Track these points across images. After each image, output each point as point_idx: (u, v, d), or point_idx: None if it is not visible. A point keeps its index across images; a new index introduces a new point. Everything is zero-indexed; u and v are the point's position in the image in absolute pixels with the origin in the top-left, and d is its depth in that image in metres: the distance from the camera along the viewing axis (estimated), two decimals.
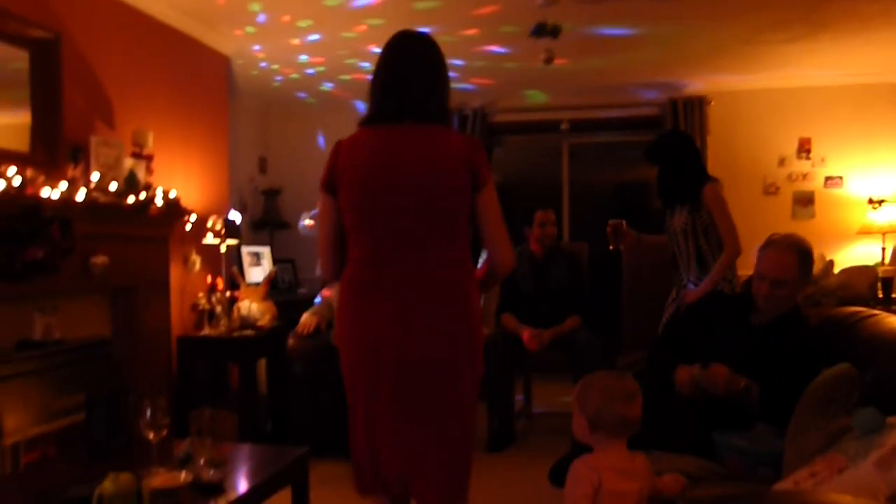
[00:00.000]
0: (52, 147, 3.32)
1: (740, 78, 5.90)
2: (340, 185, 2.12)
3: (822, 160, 5.96)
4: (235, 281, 4.62)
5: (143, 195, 3.67)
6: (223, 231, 4.43)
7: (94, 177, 3.44)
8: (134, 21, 4.01)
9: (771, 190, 6.05)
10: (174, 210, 3.97)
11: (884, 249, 5.57)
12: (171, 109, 4.31)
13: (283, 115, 6.76)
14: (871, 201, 5.67)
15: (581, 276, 4.78)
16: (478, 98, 6.20)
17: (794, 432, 1.98)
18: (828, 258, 5.34)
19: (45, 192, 3.07)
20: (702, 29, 4.71)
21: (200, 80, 4.67)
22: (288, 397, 4.46)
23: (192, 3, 4.15)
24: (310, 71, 5.48)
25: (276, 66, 5.37)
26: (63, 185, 3.18)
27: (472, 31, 4.64)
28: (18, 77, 3.26)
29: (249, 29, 4.52)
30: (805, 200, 5.98)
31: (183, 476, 2.12)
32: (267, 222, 6.38)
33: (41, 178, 3.09)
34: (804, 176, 5.99)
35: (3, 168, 2.94)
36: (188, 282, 4.37)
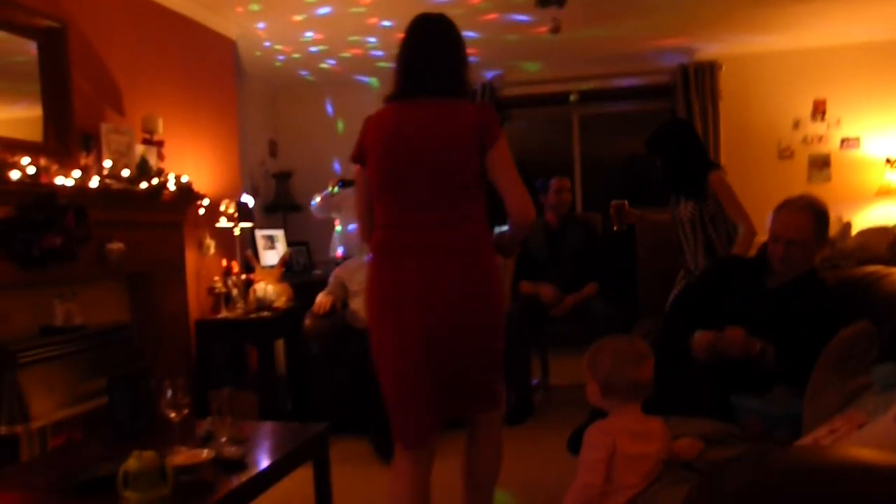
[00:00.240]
0: (64, 136, 3.34)
1: (751, 41, 5.82)
2: (368, 158, 2.32)
3: (838, 122, 5.89)
4: (250, 264, 4.65)
5: (155, 181, 3.69)
6: (236, 214, 4.46)
7: (107, 164, 3.47)
8: (139, 7, 4.01)
9: (786, 154, 5.99)
10: (187, 195, 3.99)
11: None
12: (180, 95, 4.32)
13: (292, 98, 6.76)
14: (888, 161, 5.61)
15: (597, 243, 4.77)
16: (482, 69, 6.16)
17: (812, 392, 1.98)
18: (845, 220, 5.29)
19: (60, 181, 3.10)
20: None
21: (207, 65, 4.67)
22: (306, 376, 4.50)
23: None
24: (313, 49, 5.46)
25: (279, 46, 5.35)
26: (76, 174, 3.21)
27: (478, 2, 4.60)
28: (28, 69, 3.29)
29: (254, 6, 4.49)
30: (821, 163, 5.92)
31: (205, 453, 2.16)
32: (279, 205, 6.41)
33: (55, 167, 3.12)
34: (819, 138, 5.92)
35: (17, 158, 2.97)
36: (203, 266, 4.40)
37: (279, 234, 5.83)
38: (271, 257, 5.43)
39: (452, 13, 4.59)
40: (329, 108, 6.76)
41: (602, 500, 1.80)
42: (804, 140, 5.95)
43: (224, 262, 4.56)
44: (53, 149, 3.28)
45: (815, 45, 5.84)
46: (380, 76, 6.31)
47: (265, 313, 4.41)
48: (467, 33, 5.09)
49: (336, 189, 5.23)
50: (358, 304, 4.43)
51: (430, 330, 2.21)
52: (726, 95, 5.94)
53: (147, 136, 3.91)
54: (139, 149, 3.77)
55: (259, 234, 5.47)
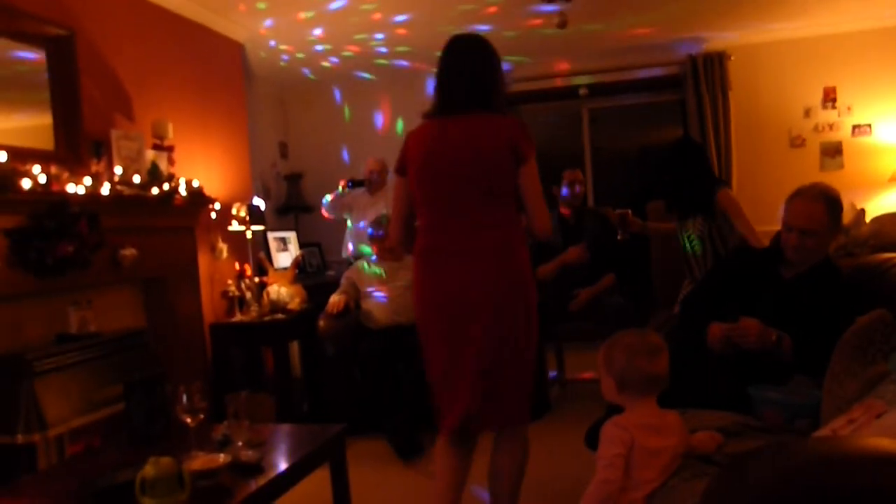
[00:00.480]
0: (75, 143, 3.36)
1: (760, 30, 5.78)
2: (409, 170, 2.52)
3: (849, 109, 5.84)
4: (263, 266, 4.66)
5: (166, 186, 3.70)
6: (248, 218, 4.47)
7: (118, 170, 3.49)
8: (146, 13, 4.02)
9: (797, 142, 5.94)
10: (198, 199, 4.00)
11: None
12: (189, 99, 4.33)
13: (300, 100, 6.78)
14: None
15: (613, 235, 4.75)
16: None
17: (831, 381, 1.96)
18: (859, 207, 5.24)
19: (71, 189, 3.12)
20: None
21: (216, 69, 4.69)
22: (321, 377, 4.51)
23: None
24: (318, 47, 5.46)
25: (285, 47, 5.34)
26: (88, 181, 3.23)
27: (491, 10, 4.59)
28: (37, 78, 3.30)
29: (261, 5, 4.48)
30: (833, 151, 5.87)
31: (222, 458, 2.17)
32: (291, 207, 6.42)
33: (66, 175, 3.14)
34: (831, 126, 5.87)
35: (28, 166, 2.98)
36: (217, 269, 4.41)
37: (291, 235, 5.85)
38: (284, 259, 5.44)
39: (462, 9, 4.60)
40: (337, 102, 6.77)
41: (621, 496, 1.79)
42: (815, 128, 5.90)
43: (237, 266, 4.57)
44: (64, 156, 3.29)
45: (823, 32, 5.79)
46: (380, 73, 6.32)
47: (279, 315, 4.41)
48: (477, 27, 5.16)
49: (346, 189, 5.22)
50: (370, 305, 4.44)
51: (465, 329, 2.41)
52: (736, 85, 5.90)
53: (157, 142, 3.93)
54: (150, 154, 3.78)
55: (271, 236, 5.49)
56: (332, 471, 2.66)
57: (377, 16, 4.72)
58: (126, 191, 3.47)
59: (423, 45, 5.45)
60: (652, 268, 5.50)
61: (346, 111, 6.76)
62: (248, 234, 4.53)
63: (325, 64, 5.88)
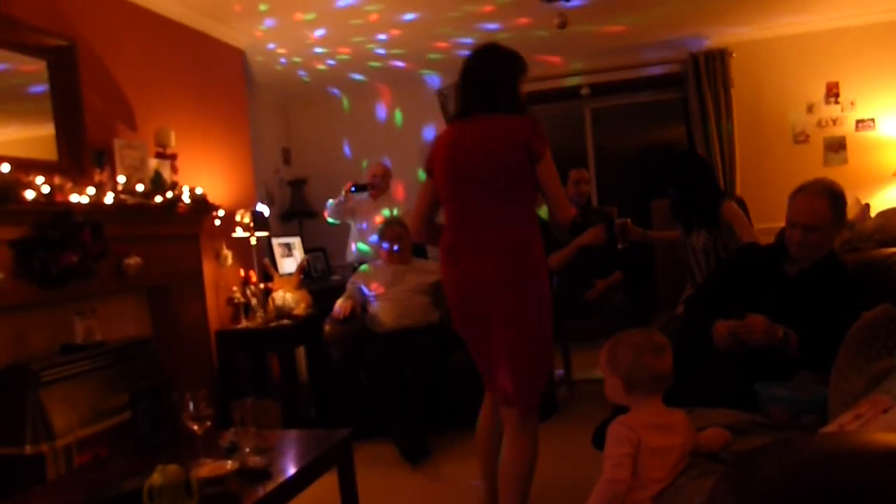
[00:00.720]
0: (77, 153, 3.36)
1: (761, 27, 5.78)
2: (435, 170, 2.70)
3: (852, 104, 5.82)
4: (268, 272, 4.66)
5: (169, 194, 3.71)
6: (252, 224, 4.47)
7: (121, 179, 3.49)
8: (146, 22, 4.04)
9: (801, 138, 5.93)
10: (202, 206, 4.01)
11: None
12: (191, 107, 4.34)
13: (302, 105, 6.79)
14: None
15: (614, 240, 4.76)
16: None
17: (837, 377, 1.95)
18: (864, 202, 5.23)
19: (74, 198, 3.13)
20: None
21: (217, 76, 4.70)
22: (328, 382, 4.51)
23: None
24: (318, 51, 5.47)
25: (283, 51, 5.35)
26: (91, 190, 3.23)
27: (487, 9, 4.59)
28: (39, 89, 3.30)
29: (262, 6, 4.48)
30: (836, 146, 5.86)
31: (229, 464, 2.17)
32: (295, 212, 6.43)
33: (69, 185, 3.15)
34: (834, 121, 5.86)
35: (31, 177, 2.99)
36: (222, 276, 4.42)
37: (296, 241, 5.85)
38: (289, 265, 5.45)
39: (460, 11, 4.61)
40: (339, 106, 6.78)
41: (629, 495, 1.78)
42: (818, 123, 5.88)
43: (242, 272, 4.58)
44: (67, 167, 3.30)
45: (825, 27, 5.78)
46: (380, 76, 6.32)
47: (285, 321, 4.42)
48: (471, 37, 5.17)
49: (350, 193, 5.23)
50: (376, 309, 4.44)
51: (482, 323, 2.60)
52: (738, 82, 5.89)
53: (160, 150, 3.94)
54: (153, 163, 3.79)
55: (276, 242, 5.50)
56: (340, 475, 2.66)
57: (375, 17, 4.70)
58: (129, 200, 3.48)
59: (422, 48, 5.46)
60: (656, 269, 5.50)
61: (346, 103, 6.77)
62: (253, 241, 4.54)
63: (323, 67, 5.85)
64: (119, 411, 3.20)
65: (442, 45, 5.44)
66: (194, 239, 4.13)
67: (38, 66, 3.29)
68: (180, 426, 2.44)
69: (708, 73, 5.87)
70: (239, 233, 4.47)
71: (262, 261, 4.70)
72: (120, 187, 3.47)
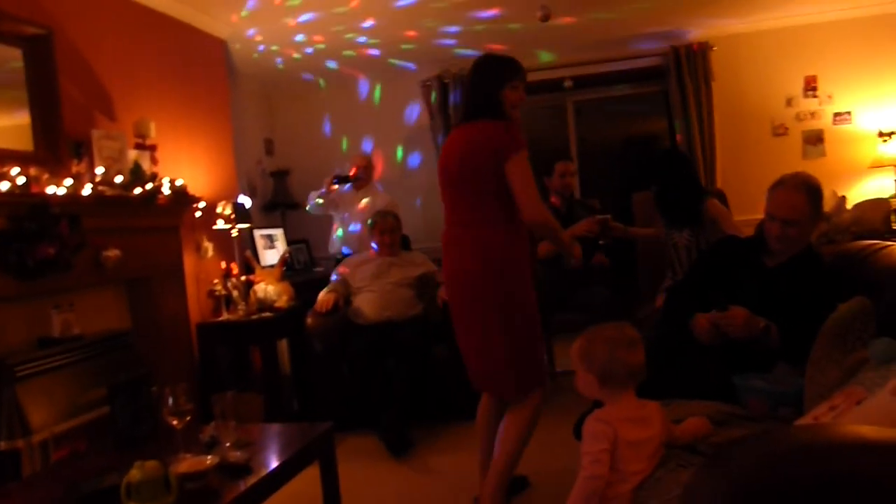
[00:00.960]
0: (54, 144, 3.31)
1: (741, 21, 5.81)
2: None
3: (829, 97, 5.87)
4: (250, 265, 4.64)
5: (149, 186, 3.67)
6: (233, 216, 4.44)
7: (99, 171, 3.45)
8: (126, 11, 3.99)
9: (780, 131, 5.97)
10: (182, 198, 3.97)
11: None
12: (172, 97, 4.30)
13: (286, 96, 6.75)
14: (881, 134, 5.59)
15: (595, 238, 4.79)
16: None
17: (812, 368, 1.97)
18: (840, 194, 5.28)
19: (51, 190, 3.09)
20: None
21: (198, 66, 4.65)
22: (311, 375, 4.50)
23: None
24: (308, 50, 5.45)
25: (262, 38, 5.28)
26: (68, 182, 3.19)
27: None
28: (15, 77, 3.25)
29: (243, 11, 4.47)
30: (815, 139, 5.90)
31: (210, 459, 2.16)
32: (278, 204, 6.39)
33: (45, 176, 3.11)
34: (812, 114, 5.90)
35: (6, 168, 2.95)
36: (202, 269, 4.39)
37: (278, 233, 5.83)
38: (271, 257, 5.43)
39: (438, 6, 4.60)
40: (323, 97, 6.75)
41: (609, 490, 1.79)
42: (797, 117, 5.93)
43: (223, 264, 4.55)
44: (44, 157, 3.25)
45: (803, 22, 5.82)
46: (360, 65, 6.30)
47: (267, 314, 4.40)
48: (456, 28, 5.15)
49: (332, 186, 5.22)
50: (360, 301, 4.43)
51: (458, 312, 2.88)
52: (719, 76, 5.91)
53: (139, 141, 3.90)
54: (132, 154, 3.75)
55: (258, 233, 5.47)
56: (322, 469, 2.66)
57: (357, 3, 4.63)
58: (108, 191, 3.44)
59: (396, 39, 5.41)
60: (637, 262, 5.53)
61: (323, 84, 6.73)
62: (234, 233, 4.51)
63: (298, 56, 5.78)
64: (97, 406, 3.17)
65: (414, 34, 5.39)
66: (174, 231, 4.10)
67: (13, 53, 3.23)
68: (160, 420, 2.42)
69: (689, 67, 5.89)
70: (220, 225, 4.44)
71: (244, 253, 4.67)
72: (98, 178, 3.43)
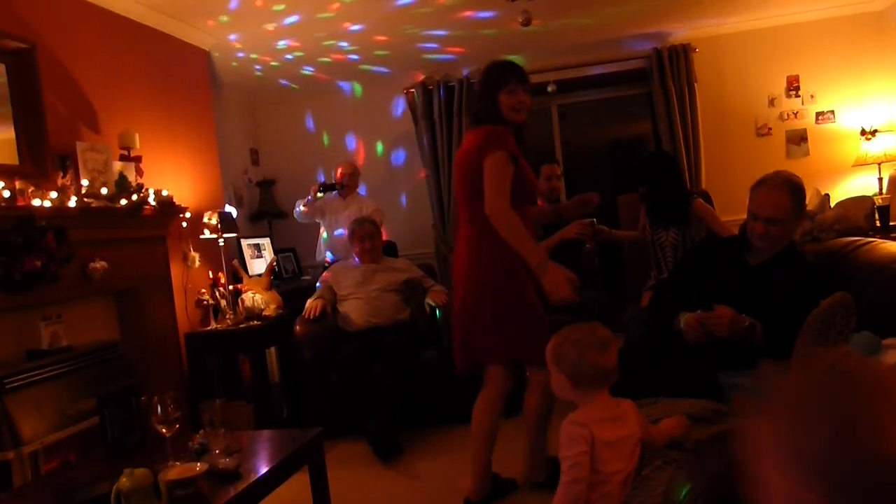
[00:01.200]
0: (39, 157, 3.31)
1: (723, 22, 5.86)
2: None
3: (812, 96, 5.92)
4: (237, 274, 4.64)
5: (135, 197, 3.67)
6: (220, 225, 4.44)
7: (85, 183, 3.45)
8: (109, 24, 3.99)
9: (763, 131, 6.02)
10: (168, 209, 3.98)
11: (880, 179, 5.55)
12: (156, 109, 4.30)
13: (270, 106, 6.75)
14: (863, 132, 5.64)
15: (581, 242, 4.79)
16: (460, 67, 6.16)
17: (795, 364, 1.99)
18: (823, 193, 5.32)
19: (37, 203, 3.08)
20: None
21: (182, 77, 4.66)
22: (300, 382, 4.50)
23: (165, 0, 4.12)
24: (289, 56, 5.45)
25: (255, 56, 5.32)
26: (54, 195, 3.19)
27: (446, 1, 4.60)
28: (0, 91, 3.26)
29: (223, 18, 4.47)
30: (798, 138, 5.96)
31: (199, 466, 2.16)
32: (264, 213, 6.39)
33: (31, 189, 3.10)
34: (795, 114, 5.96)
35: None
36: (190, 279, 4.38)
37: (265, 241, 5.83)
38: (259, 266, 5.43)
39: (422, 11, 4.61)
40: (309, 122, 6.76)
41: (592, 493, 1.78)
42: (780, 116, 5.98)
43: (210, 274, 4.55)
44: (29, 171, 3.25)
45: (784, 22, 5.87)
46: (341, 72, 6.31)
47: (255, 322, 4.40)
48: (439, 32, 5.18)
49: (318, 194, 5.23)
50: (348, 308, 4.44)
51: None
52: (701, 77, 5.95)
53: (124, 153, 3.90)
54: (117, 165, 3.75)
55: (245, 243, 5.47)
56: (311, 474, 2.67)
57: (337, 6, 4.64)
58: (94, 203, 3.44)
59: (370, 46, 5.41)
60: (624, 263, 5.55)
61: (297, 87, 6.75)
62: (221, 242, 4.51)
63: (276, 63, 5.82)
64: (87, 416, 3.17)
65: (388, 38, 5.41)
66: (161, 241, 4.10)
67: None
68: (149, 429, 2.43)
69: (672, 69, 5.93)
70: (207, 234, 4.44)
71: (231, 262, 4.67)
72: (84, 191, 3.42)
